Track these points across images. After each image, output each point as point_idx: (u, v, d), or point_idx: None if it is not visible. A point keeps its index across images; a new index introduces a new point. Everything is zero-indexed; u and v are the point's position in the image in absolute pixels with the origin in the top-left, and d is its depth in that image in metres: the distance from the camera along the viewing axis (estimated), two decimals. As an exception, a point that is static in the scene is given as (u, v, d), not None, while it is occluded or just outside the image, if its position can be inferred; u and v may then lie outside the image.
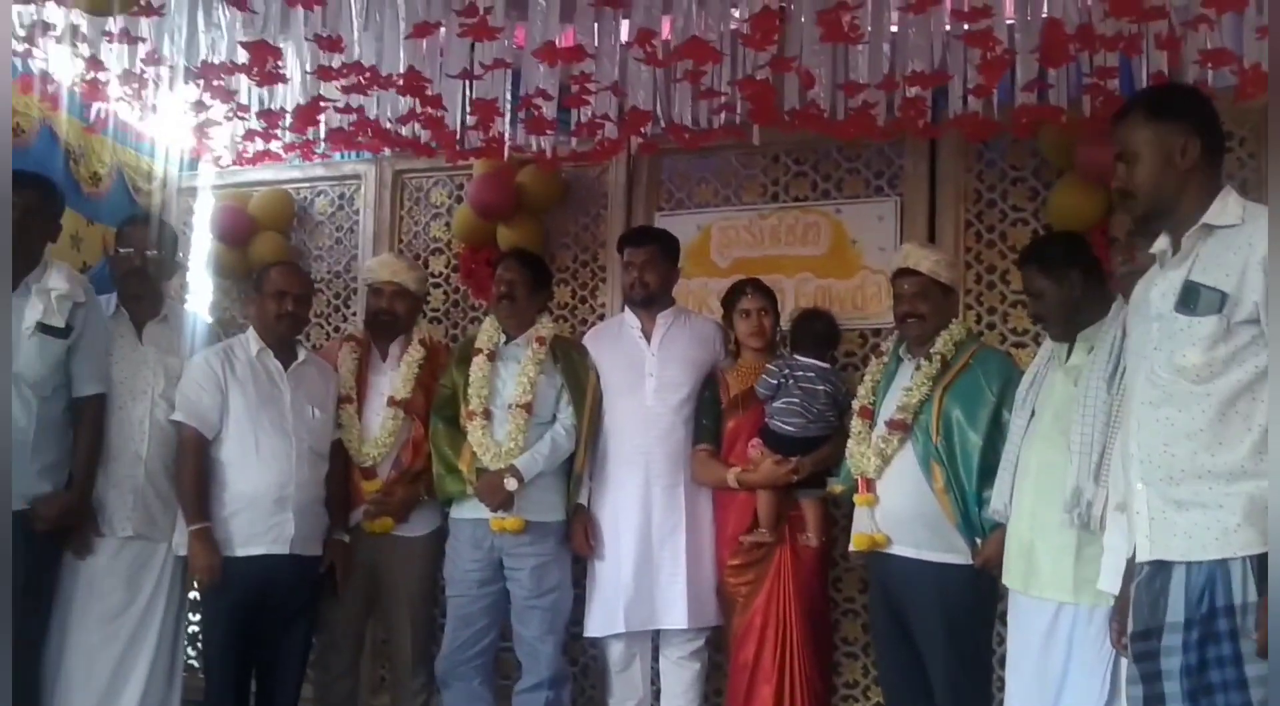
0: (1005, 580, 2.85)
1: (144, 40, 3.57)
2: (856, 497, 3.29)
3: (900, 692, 3.32)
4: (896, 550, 3.20)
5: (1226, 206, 2.06)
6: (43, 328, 3.15)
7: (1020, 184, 4.04)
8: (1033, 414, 2.85)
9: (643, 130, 3.93)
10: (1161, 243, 2.15)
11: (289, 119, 4.04)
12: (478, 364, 3.67)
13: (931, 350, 3.26)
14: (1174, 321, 2.03)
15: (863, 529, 3.27)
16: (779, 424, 3.48)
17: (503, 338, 3.76)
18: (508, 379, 3.66)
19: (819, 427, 3.47)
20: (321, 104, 3.85)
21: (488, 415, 3.61)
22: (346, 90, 3.63)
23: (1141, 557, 2.09)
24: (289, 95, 3.99)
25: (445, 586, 3.71)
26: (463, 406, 3.66)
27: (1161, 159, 2.10)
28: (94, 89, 4.00)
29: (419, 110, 3.80)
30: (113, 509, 3.34)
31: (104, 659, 3.33)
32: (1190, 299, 2.01)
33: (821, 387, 3.49)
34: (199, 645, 3.98)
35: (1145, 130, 2.13)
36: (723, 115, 3.81)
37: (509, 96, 3.77)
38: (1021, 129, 3.70)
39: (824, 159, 4.31)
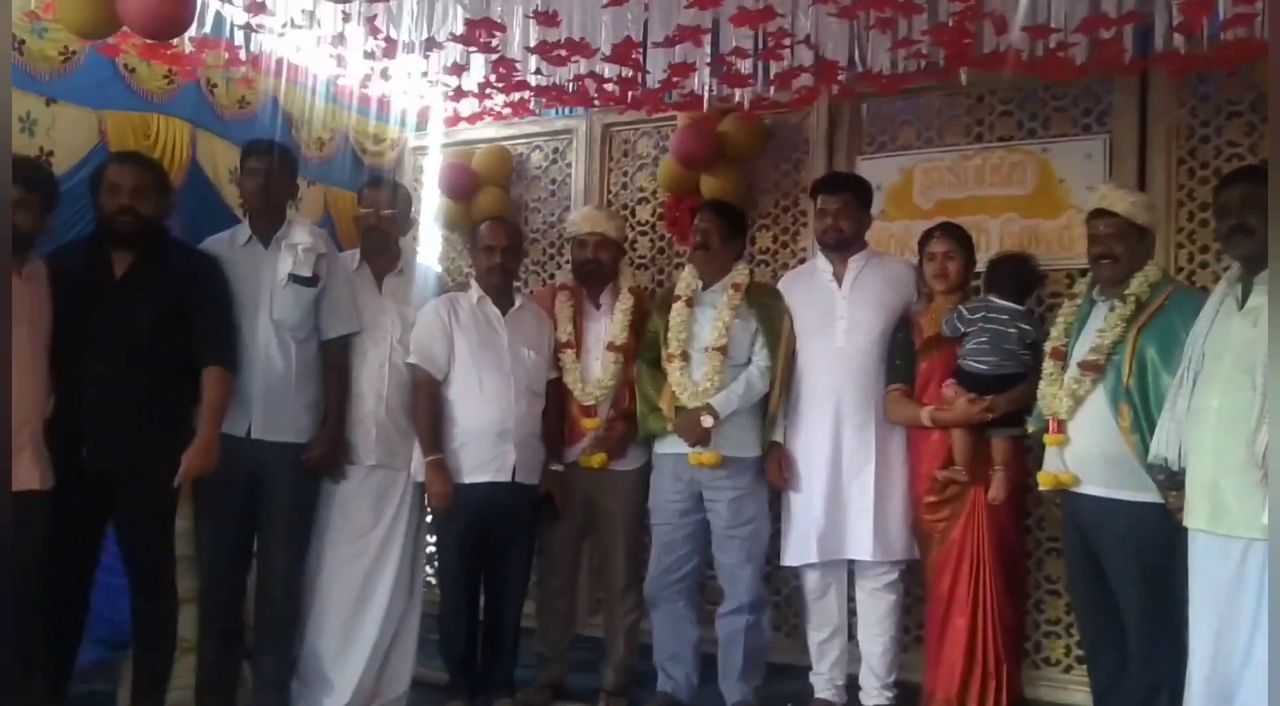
0: (1188, 521, 2.91)
1: (375, 19, 4.00)
2: (1047, 437, 3.40)
3: (1097, 630, 3.44)
4: (1087, 489, 3.31)
5: None
6: (294, 278, 3.62)
7: (1237, 118, 3.98)
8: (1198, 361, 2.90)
9: (839, 78, 4.08)
10: None
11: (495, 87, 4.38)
12: (677, 309, 3.96)
13: (1126, 292, 3.31)
14: None
15: (1050, 468, 3.40)
16: (971, 363, 3.61)
17: (700, 284, 4.03)
18: (705, 323, 3.93)
19: (1012, 366, 3.58)
20: (517, 68, 4.14)
21: (686, 357, 3.89)
22: (561, 61, 3.91)
23: None
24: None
25: (651, 515, 4.05)
26: (663, 349, 3.95)
27: None
28: (327, 62, 4.46)
29: (624, 75, 4.07)
30: (359, 441, 3.79)
31: (354, 572, 3.79)
32: None
33: (1013, 330, 3.59)
34: (434, 564, 4.50)
35: None
36: (921, 62, 3.93)
37: (708, 52, 3.99)
38: (1228, 62, 3.63)
39: (1030, 98, 4.34)
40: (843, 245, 3.92)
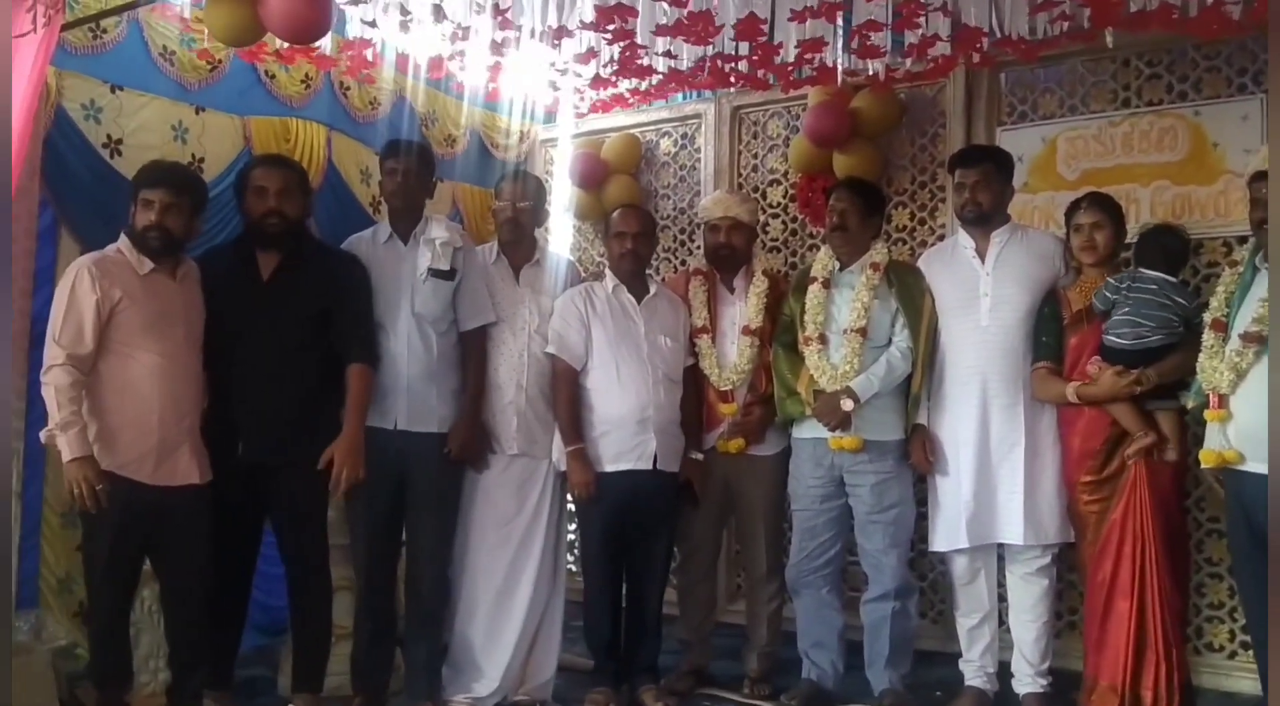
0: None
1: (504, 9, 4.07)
2: (1208, 413, 3.28)
3: (1263, 613, 3.30)
4: (1252, 467, 3.18)
5: None
6: (433, 272, 3.74)
7: None
8: None
9: (978, 45, 3.99)
10: None
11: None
12: (813, 291, 3.94)
13: (1291, 257, 3.17)
14: None
15: (1213, 445, 3.27)
16: (1113, 338, 3.52)
17: (837, 265, 3.99)
18: (842, 305, 3.90)
19: (1160, 337, 3.47)
20: (642, 53, 4.16)
21: (824, 340, 3.87)
22: (696, 38, 3.89)
23: None
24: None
25: (791, 501, 4.05)
26: (800, 332, 3.94)
27: None
28: (452, 58, 4.55)
29: (754, 53, 4.06)
30: (500, 430, 3.88)
31: (499, 558, 3.88)
32: None
33: (1164, 301, 3.48)
34: (576, 551, 4.58)
35: None
36: (1064, 24, 3.82)
37: (840, 26, 3.96)
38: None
39: (1180, 59, 4.21)
40: (982, 219, 3.84)
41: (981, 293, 3.79)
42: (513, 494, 3.92)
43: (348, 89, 4.78)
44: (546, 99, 5.24)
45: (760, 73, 4.42)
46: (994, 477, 3.73)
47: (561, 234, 5.60)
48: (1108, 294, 3.57)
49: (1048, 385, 3.67)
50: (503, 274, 3.97)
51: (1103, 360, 3.55)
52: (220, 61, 4.23)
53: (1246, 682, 3.79)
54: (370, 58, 4.42)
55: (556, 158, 5.68)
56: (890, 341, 3.88)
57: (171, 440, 3.30)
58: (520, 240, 4.01)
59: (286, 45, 4.03)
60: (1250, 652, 3.63)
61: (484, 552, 3.89)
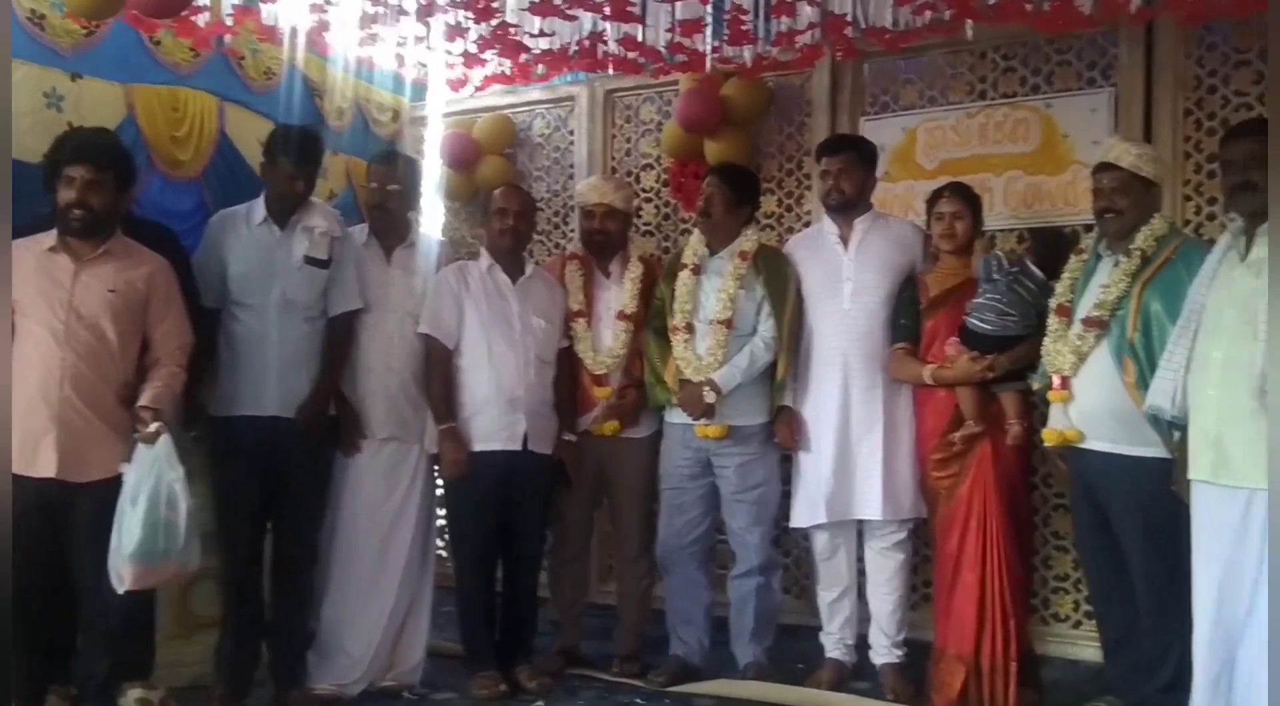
0: (1191, 473, 2.97)
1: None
2: (1051, 394, 3.44)
3: (1105, 584, 3.50)
4: (1093, 445, 3.36)
5: None
6: (309, 260, 3.70)
7: (1244, 68, 3.99)
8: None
9: (845, 32, 4.08)
10: None
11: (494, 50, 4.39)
12: (682, 279, 4.01)
13: (1131, 246, 3.34)
14: None
15: (1055, 425, 3.45)
16: (975, 322, 3.65)
17: (706, 251, 4.07)
18: (710, 293, 3.98)
19: (1018, 327, 3.61)
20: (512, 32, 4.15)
21: (690, 329, 3.95)
22: (561, 14, 3.91)
23: None
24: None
25: (660, 481, 4.12)
26: (668, 320, 4.00)
27: None
28: (329, 30, 4.46)
29: (623, 33, 4.09)
30: (371, 414, 3.86)
31: (367, 544, 3.86)
32: None
33: (1026, 295, 3.62)
34: (446, 536, 4.56)
35: None
36: (926, 15, 3.94)
37: (710, 11, 4.01)
38: (1241, 7, 3.64)
39: (1033, 53, 4.36)
40: (845, 207, 3.95)
41: (844, 278, 3.91)
42: (382, 478, 3.89)
43: (242, 58, 4.56)
44: (417, 75, 5.19)
45: (632, 55, 4.46)
46: (854, 456, 3.85)
47: (433, 214, 5.55)
48: (992, 266, 3.68)
49: (905, 366, 3.80)
50: (374, 256, 3.94)
51: (960, 342, 3.68)
52: (98, 25, 3.98)
53: (1090, 650, 3.98)
54: (252, 28, 4.28)
55: (427, 137, 5.62)
56: (755, 330, 3.97)
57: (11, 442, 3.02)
58: (392, 222, 3.98)
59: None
60: (1093, 622, 3.82)
61: (352, 538, 3.86)
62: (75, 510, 3.20)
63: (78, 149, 3.24)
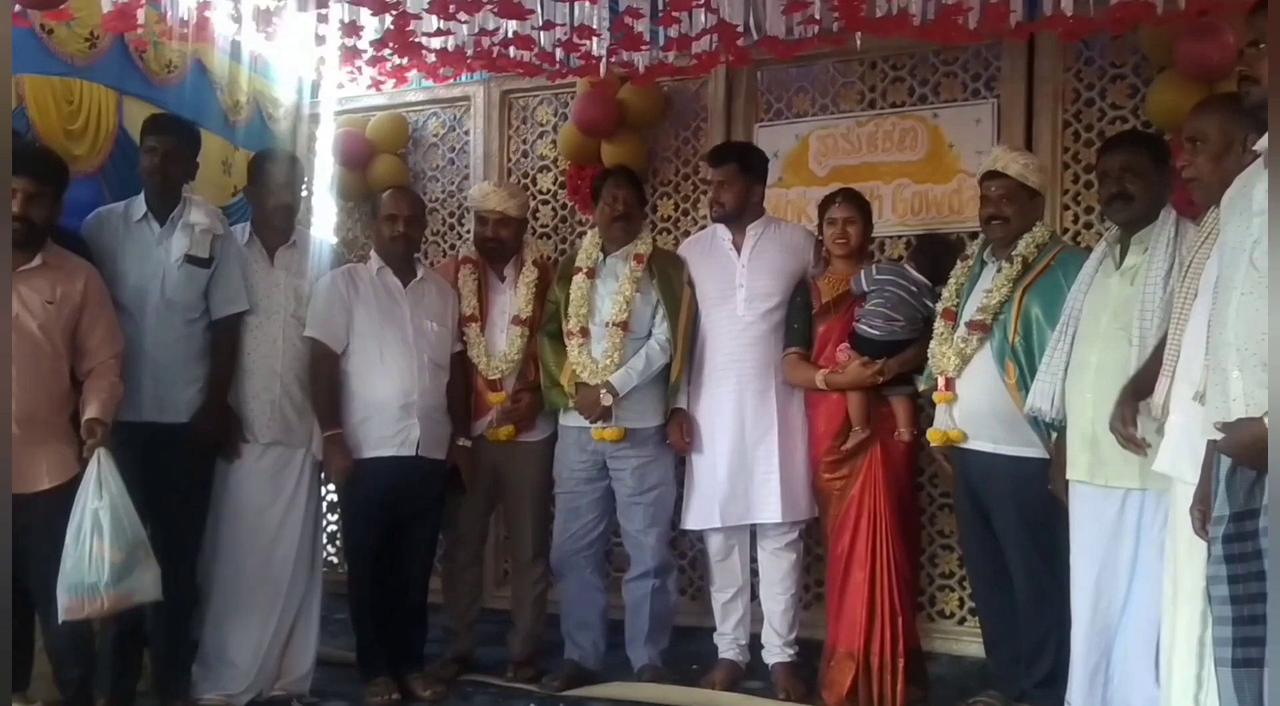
0: (1069, 474, 3.08)
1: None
2: (936, 395, 3.53)
3: (985, 581, 3.60)
4: (975, 445, 3.46)
5: None
6: (189, 259, 3.59)
7: (1120, 81, 4.15)
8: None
9: (738, 42, 4.12)
10: (1264, 142, 2.22)
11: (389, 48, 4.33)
12: (577, 282, 4.01)
13: (1014, 252, 3.44)
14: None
15: (940, 425, 3.54)
16: (864, 327, 3.72)
17: (601, 255, 4.07)
18: (606, 296, 3.99)
19: (906, 332, 3.70)
20: (412, 31, 4.09)
21: (585, 332, 3.95)
22: (450, 16, 3.89)
23: None
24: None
25: (556, 484, 4.11)
26: (564, 323, 4.00)
27: None
28: (228, 20, 4.31)
29: (515, 33, 4.07)
30: (254, 418, 3.77)
31: (252, 550, 3.77)
32: None
33: (913, 301, 3.71)
34: (337, 543, 4.49)
35: None
36: (815, 27, 4.00)
37: (607, 15, 4.01)
38: (1117, 25, 3.77)
39: (921, 64, 4.47)
40: (727, 219, 4.00)
41: (738, 283, 3.94)
42: (266, 484, 3.81)
43: (144, 51, 4.40)
44: (311, 71, 5.09)
45: (526, 55, 4.43)
46: (750, 460, 3.88)
47: (324, 214, 5.48)
48: (864, 280, 3.76)
49: (798, 370, 3.85)
50: (256, 256, 3.85)
51: (850, 348, 3.75)
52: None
53: (973, 646, 4.09)
54: (142, 18, 4.13)
55: (319, 135, 5.53)
56: (650, 333, 3.99)
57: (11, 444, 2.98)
58: (273, 222, 3.90)
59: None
60: (976, 618, 3.92)
61: (235, 545, 3.78)
62: (28, 521, 3.05)
63: (19, 161, 3.09)
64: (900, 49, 4.42)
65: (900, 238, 4.46)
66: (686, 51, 4.23)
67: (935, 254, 3.88)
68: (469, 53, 4.41)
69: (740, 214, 3.98)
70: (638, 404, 3.94)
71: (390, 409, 3.83)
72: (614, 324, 3.92)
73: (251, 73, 4.98)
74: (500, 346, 4.09)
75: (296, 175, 4.06)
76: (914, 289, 3.72)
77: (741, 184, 3.97)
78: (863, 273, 3.78)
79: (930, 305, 3.72)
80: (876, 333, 3.70)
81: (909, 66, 4.50)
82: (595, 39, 4.08)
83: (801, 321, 3.87)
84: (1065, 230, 4.13)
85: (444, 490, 4.04)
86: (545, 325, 4.08)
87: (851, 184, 4.22)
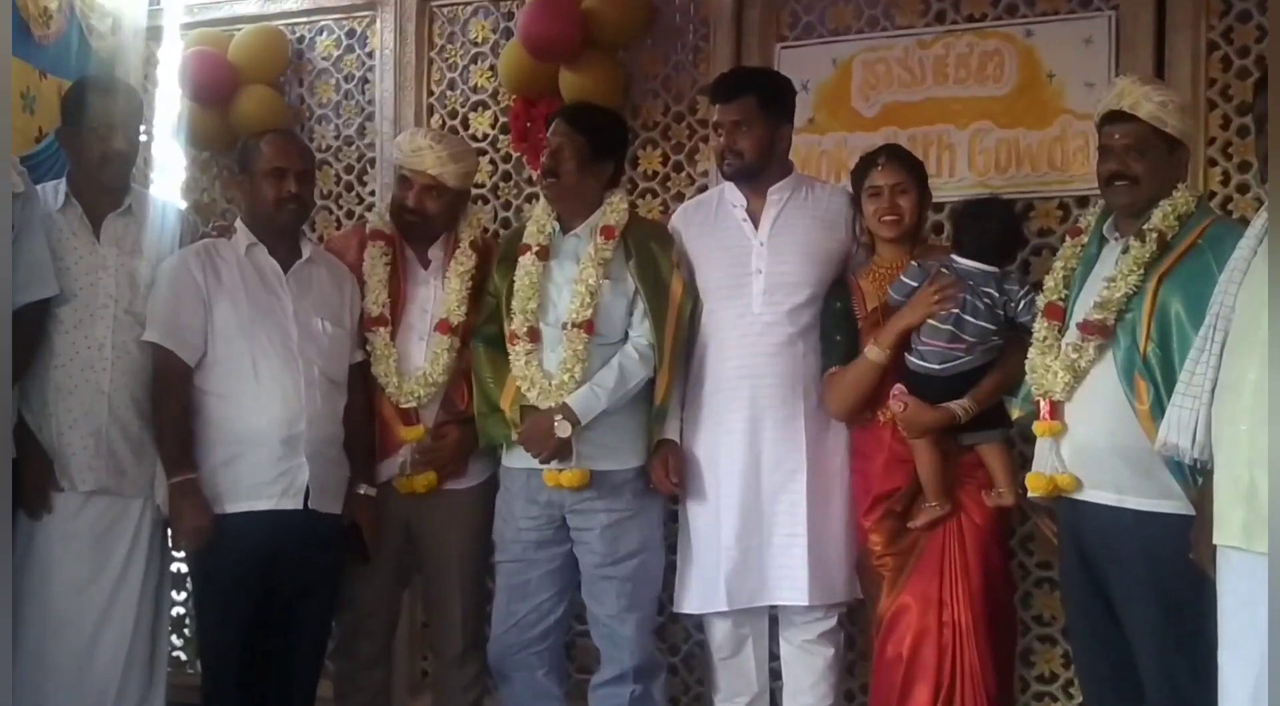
0: (1217, 537, 3.02)
1: None
2: (1037, 425, 3.48)
3: (1103, 683, 3.55)
4: (1091, 495, 3.40)
5: None
6: None
7: (1286, -15, 4.13)
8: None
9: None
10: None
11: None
12: (524, 267, 3.97)
13: (1146, 226, 3.39)
14: None
15: (1043, 467, 3.48)
16: (917, 361, 3.69)
17: (556, 227, 4.04)
18: (563, 285, 3.95)
19: (979, 354, 3.68)
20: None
21: (535, 336, 3.92)
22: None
23: None
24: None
25: (495, 550, 4.07)
26: (505, 324, 3.97)
27: None
28: None
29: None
30: (70, 457, 3.74)
31: (69, 638, 3.76)
32: None
33: (982, 302, 3.67)
34: (187, 631, 4.42)
35: None
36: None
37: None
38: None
39: (1009, -41, 4.44)
40: (745, 175, 3.97)
41: (754, 268, 3.92)
42: (88, 548, 3.80)
43: None
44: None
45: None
46: (767, 516, 3.85)
47: (168, 169, 5.43)
48: (909, 282, 3.73)
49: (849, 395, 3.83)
50: (75, 226, 3.83)
51: (906, 392, 3.70)
52: None
53: (1083, 774, 4.06)
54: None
55: (161, 56, 5.47)
56: (626, 336, 3.95)
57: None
58: (103, 178, 3.87)
59: None
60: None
61: (48, 632, 3.76)
62: None
63: None
64: (979, -62, 4.40)
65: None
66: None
67: (981, 229, 3.81)
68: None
69: (760, 169, 3.95)
70: (609, 436, 3.91)
71: (267, 444, 3.80)
72: (574, 324, 3.88)
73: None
74: (418, 360, 4.07)
75: (132, 113, 4.02)
76: (971, 283, 3.68)
77: (763, 126, 3.93)
78: (902, 279, 3.75)
79: (1003, 293, 3.69)
80: (937, 366, 3.67)
81: (991, -36, 4.48)
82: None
83: (845, 332, 3.85)
84: (1212, 195, 4.10)
85: (340, 558, 4.00)
86: (481, 327, 4.06)
87: (911, 129, 4.23)
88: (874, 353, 3.73)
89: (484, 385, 4.00)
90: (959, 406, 3.65)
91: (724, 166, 3.99)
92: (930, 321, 3.67)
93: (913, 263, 3.78)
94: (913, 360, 3.71)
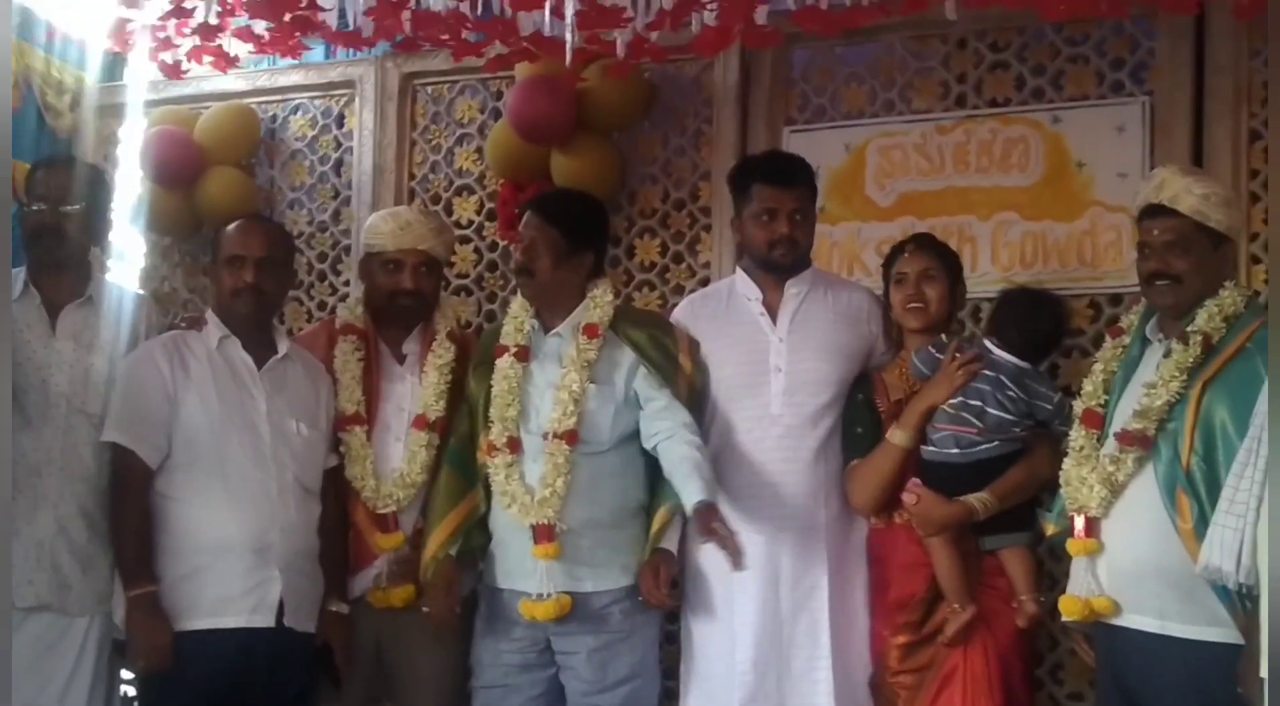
0: (1265, 668, 3.00)
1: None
2: (1072, 543, 3.46)
3: None
4: (1131, 621, 3.37)
5: None
6: None
7: (1330, 73, 4.17)
8: None
9: (757, 11, 4.12)
10: None
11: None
12: (502, 370, 3.96)
13: (1191, 328, 3.38)
14: None
15: (1078, 590, 3.46)
16: (934, 450, 3.70)
17: (535, 326, 4.03)
18: (544, 389, 3.93)
19: (1001, 443, 3.67)
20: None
21: (515, 446, 3.90)
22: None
23: None
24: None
25: (473, 675, 4.03)
26: (482, 433, 3.96)
27: None
28: None
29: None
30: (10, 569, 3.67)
31: None
32: None
33: (1003, 395, 3.66)
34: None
35: None
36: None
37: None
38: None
39: (1035, 42, 4.50)
40: (798, 267, 3.99)
41: (772, 366, 3.91)
42: (24, 670, 3.65)
43: None
44: (114, 41, 5.04)
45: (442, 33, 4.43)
46: (787, 637, 3.82)
47: (126, 256, 5.44)
48: (935, 354, 3.73)
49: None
50: (31, 317, 3.83)
51: (921, 484, 3.70)
52: None
53: None
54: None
55: (124, 135, 5.48)
56: (618, 438, 3.92)
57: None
58: (63, 265, 3.88)
59: None
60: None
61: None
62: None
63: None
64: (1004, 22, 4.45)
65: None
66: (680, 24, 4.20)
67: (1027, 320, 3.82)
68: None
69: (806, 264, 4.02)
70: (599, 552, 3.88)
71: (236, 554, 3.76)
72: (555, 435, 3.86)
73: (22, 41, 4.96)
74: (395, 461, 4.07)
75: (99, 196, 4.03)
76: (995, 376, 3.68)
77: (813, 215, 4.00)
78: (929, 350, 3.76)
79: (1032, 390, 3.69)
80: (954, 450, 3.67)
81: (1017, 46, 4.52)
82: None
83: (867, 424, 3.85)
84: (1256, 294, 4.08)
85: (313, 682, 3.96)
86: (455, 430, 4.05)
87: (930, 220, 4.24)
88: (897, 436, 3.73)
89: (433, 506, 3.99)
90: (977, 500, 3.63)
91: (775, 254, 3.93)
92: (945, 408, 3.67)
93: (940, 337, 3.79)
94: (929, 449, 3.71)
